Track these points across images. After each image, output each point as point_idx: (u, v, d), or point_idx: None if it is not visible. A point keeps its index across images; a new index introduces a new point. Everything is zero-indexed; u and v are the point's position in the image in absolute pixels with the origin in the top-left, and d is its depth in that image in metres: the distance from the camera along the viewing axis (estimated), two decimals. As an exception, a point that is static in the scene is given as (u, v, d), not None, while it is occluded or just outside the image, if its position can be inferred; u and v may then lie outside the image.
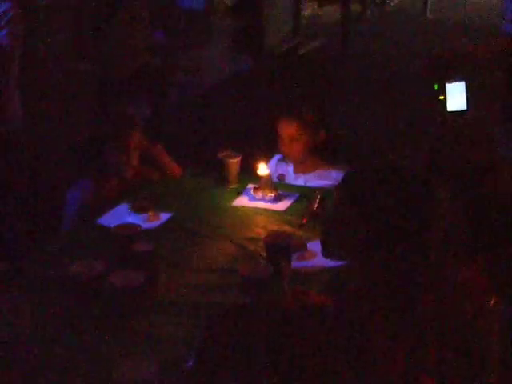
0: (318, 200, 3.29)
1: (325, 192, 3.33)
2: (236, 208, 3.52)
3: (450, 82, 3.22)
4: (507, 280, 2.38)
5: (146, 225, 3.22)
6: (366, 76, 8.50)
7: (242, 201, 3.58)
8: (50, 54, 6.79)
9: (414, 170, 2.16)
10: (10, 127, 4.20)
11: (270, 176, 3.63)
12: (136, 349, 2.43)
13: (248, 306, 1.87)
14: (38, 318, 2.59)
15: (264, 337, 1.71)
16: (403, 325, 1.96)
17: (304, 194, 3.56)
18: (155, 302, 2.71)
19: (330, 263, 2.78)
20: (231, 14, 9.13)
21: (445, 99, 3.24)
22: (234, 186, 3.70)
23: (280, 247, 2.89)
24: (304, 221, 3.25)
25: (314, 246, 3.00)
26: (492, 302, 2.18)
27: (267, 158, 3.76)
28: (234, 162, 3.71)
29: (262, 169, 3.59)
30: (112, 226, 3.13)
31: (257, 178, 3.62)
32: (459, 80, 3.22)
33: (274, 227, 3.29)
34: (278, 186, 3.62)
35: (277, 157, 3.92)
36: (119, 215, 3.37)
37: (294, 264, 2.92)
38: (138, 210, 3.38)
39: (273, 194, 3.53)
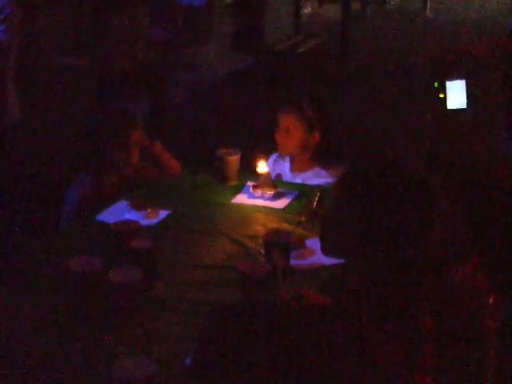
0: (317, 198, 3.28)
1: (324, 190, 3.33)
2: (235, 205, 3.52)
3: (451, 79, 3.22)
4: (506, 278, 2.39)
5: (144, 222, 3.22)
6: (366, 74, 8.50)
7: (241, 198, 3.57)
8: (48, 50, 6.79)
9: (412, 168, 2.16)
10: (8, 122, 4.20)
11: (269, 174, 3.63)
12: (135, 346, 2.43)
13: (246, 304, 1.86)
14: (36, 315, 2.58)
15: (262, 335, 1.71)
16: (401, 324, 1.95)
17: (303, 192, 3.56)
18: (154, 298, 2.71)
19: (328, 261, 2.78)
20: (231, 11, 9.14)
21: (445, 97, 3.24)
22: (233, 183, 3.70)
23: (279, 245, 2.89)
24: (303, 219, 3.25)
25: (313, 243, 2.99)
26: (491, 300, 2.18)
27: (266, 156, 3.77)
28: (234, 160, 3.71)
29: (262, 166, 3.58)
30: (111, 222, 3.13)
31: (256, 176, 3.61)
32: (459, 78, 3.22)
33: (273, 225, 3.29)
34: (277, 184, 3.62)
35: (273, 156, 3.92)
36: (118, 212, 3.37)
37: (293, 262, 2.92)
38: (137, 206, 3.38)
39: (272, 192, 3.53)
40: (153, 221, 3.31)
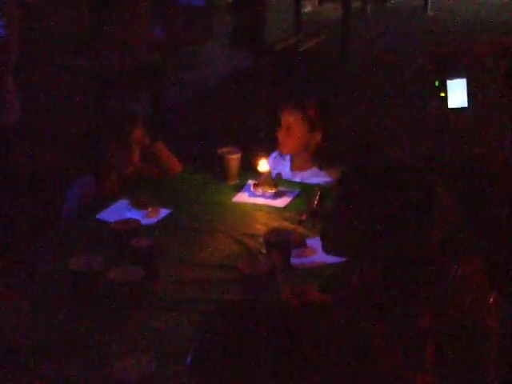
0: (317, 197, 3.28)
1: (324, 189, 3.33)
2: (236, 204, 3.52)
3: (451, 78, 3.21)
4: (506, 277, 2.38)
5: (145, 220, 3.22)
6: (367, 73, 8.50)
7: (242, 197, 3.58)
8: (49, 50, 6.78)
9: (413, 167, 2.16)
10: (7, 121, 4.19)
11: (270, 172, 3.63)
12: (135, 345, 2.43)
13: (247, 303, 1.86)
14: (36, 314, 2.58)
15: (263, 334, 1.71)
16: (401, 323, 1.95)
17: (304, 191, 3.56)
18: (154, 297, 2.71)
19: (329, 260, 2.78)
20: (231, 10, 9.13)
21: (446, 96, 3.23)
22: (233, 182, 3.70)
23: (279, 244, 2.89)
24: (303, 217, 3.24)
25: (314, 242, 3.00)
26: (491, 299, 2.18)
27: (267, 155, 3.77)
28: (234, 158, 3.71)
29: (263, 165, 3.59)
30: (111, 221, 3.13)
31: (257, 174, 3.62)
32: (460, 77, 3.21)
33: (274, 224, 3.29)
34: (278, 183, 3.62)
35: (273, 154, 3.92)
36: (119, 211, 3.37)
37: (294, 261, 2.92)
38: (138, 205, 3.38)
39: (273, 191, 3.53)
40: (153, 220, 3.31)
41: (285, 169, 3.86)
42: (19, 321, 2.54)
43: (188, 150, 4.80)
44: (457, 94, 3.22)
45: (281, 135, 3.74)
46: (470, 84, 3.20)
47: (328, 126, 3.70)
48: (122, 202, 3.45)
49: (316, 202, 3.27)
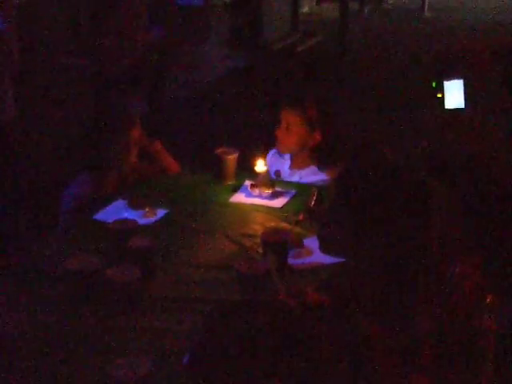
0: (314, 197, 3.28)
1: (321, 189, 3.33)
2: (233, 204, 3.52)
3: (448, 79, 3.22)
4: (504, 277, 2.39)
5: (142, 220, 3.22)
6: (364, 73, 8.50)
7: (239, 197, 3.58)
8: (48, 50, 6.78)
9: (410, 167, 2.16)
10: (4, 119, 4.20)
11: (267, 173, 3.63)
12: (132, 345, 2.43)
13: (245, 304, 1.86)
14: (34, 313, 2.58)
15: (261, 334, 1.71)
16: (399, 323, 1.95)
17: (301, 191, 3.56)
18: (151, 297, 2.71)
19: (326, 260, 2.78)
20: (229, 10, 9.12)
21: (443, 97, 3.24)
22: (230, 182, 3.70)
23: (277, 244, 2.89)
24: (300, 218, 3.25)
25: (311, 242, 3.00)
26: (489, 299, 2.18)
27: (265, 155, 3.77)
28: (231, 159, 3.71)
29: (260, 165, 3.59)
30: (109, 221, 3.13)
31: (254, 175, 3.61)
32: (457, 78, 3.21)
33: (271, 224, 3.29)
34: (275, 183, 3.62)
35: (272, 151, 3.92)
36: (116, 211, 3.37)
37: (291, 261, 2.92)
38: (135, 205, 3.38)
39: (270, 191, 3.53)
40: (151, 220, 3.31)
41: (284, 167, 3.87)
42: (16, 320, 2.54)
43: (185, 150, 4.81)
44: (454, 94, 3.22)
45: (280, 134, 3.74)
46: (466, 85, 3.20)
47: (327, 126, 3.70)
48: (120, 202, 3.45)
49: (313, 202, 3.28)
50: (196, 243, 3.13)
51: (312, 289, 2.56)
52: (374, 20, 11.60)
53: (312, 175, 3.75)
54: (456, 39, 8.76)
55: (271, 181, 3.63)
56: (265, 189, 3.53)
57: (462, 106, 3.22)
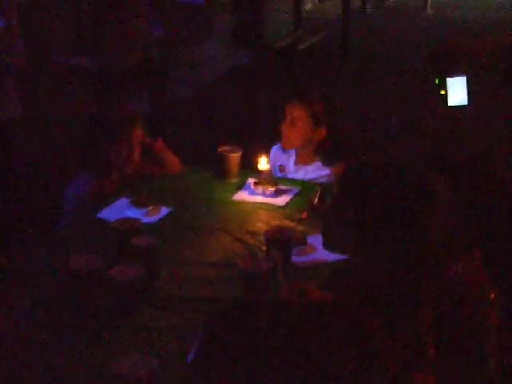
0: (318, 194, 3.29)
1: (325, 186, 3.33)
2: (236, 202, 3.52)
3: (451, 76, 3.21)
4: (507, 274, 2.39)
5: (145, 219, 3.22)
6: (366, 71, 8.49)
7: (242, 195, 3.58)
8: (50, 48, 6.78)
9: (412, 164, 2.16)
10: (7, 118, 4.20)
11: (270, 170, 3.63)
12: (136, 343, 2.43)
13: (248, 302, 1.86)
14: (36, 313, 2.58)
15: (264, 332, 1.71)
16: (402, 320, 1.95)
17: (304, 189, 3.56)
18: (155, 296, 2.71)
19: (330, 258, 2.78)
20: (231, 8, 9.12)
21: (446, 94, 3.23)
22: (234, 180, 3.70)
23: (280, 242, 2.89)
24: (304, 216, 3.25)
25: (314, 240, 3.00)
26: (492, 296, 2.18)
27: (268, 153, 3.77)
28: (234, 157, 3.71)
29: (263, 163, 3.58)
30: (112, 220, 3.13)
31: (257, 173, 3.61)
32: (460, 75, 3.21)
33: (274, 222, 3.29)
34: (279, 181, 3.62)
35: (276, 146, 3.92)
36: (119, 209, 3.37)
37: (294, 259, 2.92)
38: (138, 204, 3.38)
39: (273, 189, 3.53)
40: (154, 218, 3.31)
41: (289, 162, 3.86)
42: (19, 320, 2.54)
43: (188, 149, 4.80)
44: (457, 91, 3.21)
45: (285, 129, 3.74)
46: (469, 82, 3.20)
47: (332, 122, 3.70)
48: (123, 201, 3.45)
49: (316, 200, 3.28)
50: (199, 241, 3.13)
51: (315, 286, 2.56)
52: (376, 17, 11.58)
53: (317, 171, 3.75)
54: (459, 36, 8.74)
55: (274, 178, 3.63)
56: (268, 186, 3.53)
57: (465, 102, 3.21)
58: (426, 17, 11.59)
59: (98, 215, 3.34)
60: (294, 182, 3.70)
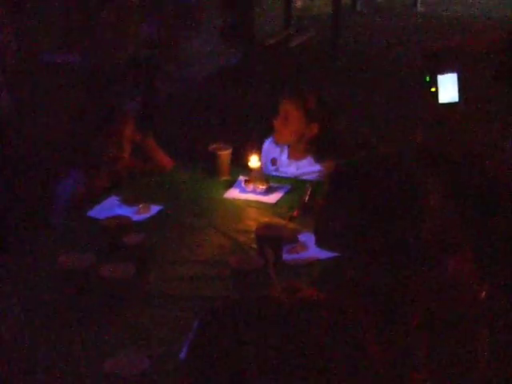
0: (309, 192, 3.28)
1: (316, 184, 3.33)
2: (227, 200, 3.52)
3: (442, 73, 3.21)
4: (498, 271, 2.39)
5: (136, 217, 3.22)
6: (357, 68, 8.49)
7: (233, 193, 3.57)
8: (40, 46, 6.75)
9: (402, 161, 2.15)
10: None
11: (261, 168, 3.63)
12: (127, 342, 2.42)
13: (240, 300, 1.86)
14: (27, 311, 2.57)
15: (256, 330, 1.70)
16: (392, 318, 1.95)
17: (295, 187, 3.56)
18: (145, 294, 2.70)
19: (321, 255, 2.78)
20: (222, 6, 9.10)
21: (436, 91, 3.22)
22: (224, 178, 3.70)
23: (271, 239, 2.88)
24: (295, 213, 3.24)
25: (305, 238, 2.99)
26: (483, 293, 2.18)
27: (258, 151, 3.76)
28: (225, 154, 3.71)
29: (254, 161, 3.58)
30: (102, 218, 3.12)
31: (248, 170, 3.61)
32: (451, 72, 3.20)
33: (265, 219, 3.28)
34: (269, 179, 3.61)
35: (268, 140, 3.93)
36: (109, 207, 3.36)
37: (285, 257, 2.92)
38: (129, 202, 3.37)
39: (264, 187, 3.53)
40: (144, 216, 3.30)
41: (281, 157, 3.87)
42: (10, 318, 2.53)
43: (179, 146, 4.79)
44: (448, 88, 3.21)
45: (278, 124, 3.76)
46: (460, 79, 3.20)
47: (325, 119, 3.72)
48: (113, 199, 3.44)
49: (307, 198, 3.28)
50: (190, 239, 3.13)
51: (306, 284, 2.55)
52: (366, 15, 11.59)
53: (309, 166, 3.76)
54: (449, 33, 8.75)
55: (265, 176, 3.63)
56: (259, 184, 3.53)
57: (456, 100, 3.21)
58: (416, 14, 11.60)
59: (88, 213, 3.32)
60: (284, 179, 3.70)
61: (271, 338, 1.72)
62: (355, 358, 1.85)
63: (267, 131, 3.81)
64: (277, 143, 3.86)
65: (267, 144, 3.92)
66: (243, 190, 3.56)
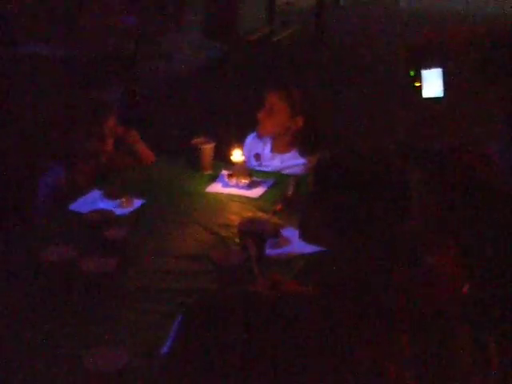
0: (292, 187, 3.28)
1: (299, 178, 3.33)
2: (209, 194, 3.51)
3: (426, 68, 3.21)
4: (481, 267, 2.39)
5: (118, 211, 3.20)
6: (340, 63, 8.51)
7: (216, 187, 3.56)
8: (21, 38, 6.71)
9: (386, 157, 2.15)
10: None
11: (244, 162, 3.62)
12: (108, 336, 2.40)
13: (223, 294, 1.85)
14: (7, 304, 2.55)
15: (240, 325, 1.70)
16: (375, 312, 1.95)
17: (278, 181, 3.56)
18: (127, 288, 2.68)
19: (304, 250, 2.78)
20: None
21: (420, 86, 3.22)
22: (207, 172, 3.69)
23: (254, 234, 2.88)
24: (278, 208, 3.24)
25: (288, 233, 2.99)
26: (465, 289, 2.18)
27: (241, 145, 3.76)
28: (208, 148, 3.70)
29: (236, 155, 3.57)
30: (84, 212, 3.10)
31: (231, 165, 3.60)
32: (435, 66, 3.21)
33: (248, 214, 3.28)
34: (253, 173, 3.61)
35: (251, 136, 3.92)
36: (92, 201, 3.34)
37: (268, 251, 2.91)
38: (111, 196, 3.36)
39: (247, 181, 3.52)
40: (127, 210, 3.28)
41: (264, 151, 3.87)
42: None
43: (161, 140, 4.78)
44: (432, 83, 3.21)
45: (262, 117, 3.76)
46: (445, 73, 3.20)
47: (310, 112, 3.72)
48: (95, 192, 3.43)
49: (290, 192, 3.27)
50: (172, 233, 3.12)
51: (289, 278, 2.55)
52: (349, 9, 11.61)
53: (293, 159, 3.77)
54: (431, 28, 8.77)
55: (248, 171, 3.62)
56: (242, 179, 3.53)
57: (441, 94, 3.21)
58: (399, 10, 11.64)
59: (70, 207, 3.30)
60: (268, 174, 3.70)
61: (254, 332, 1.71)
62: (339, 353, 1.85)
63: (250, 125, 3.80)
64: (260, 136, 3.86)
65: (250, 140, 3.91)
66: (226, 185, 3.55)
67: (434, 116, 3.21)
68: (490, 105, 3.24)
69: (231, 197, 3.46)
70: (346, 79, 7.82)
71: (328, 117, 5.25)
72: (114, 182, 3.57)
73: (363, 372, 1.88)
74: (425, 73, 3.22)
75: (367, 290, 1.98)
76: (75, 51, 5.63)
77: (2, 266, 2.81)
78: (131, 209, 3.30)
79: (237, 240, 2.98)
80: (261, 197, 3.46)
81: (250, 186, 3.52)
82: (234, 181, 3.54)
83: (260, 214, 3.26)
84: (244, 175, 3.54)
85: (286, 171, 3.74)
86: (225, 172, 3.62)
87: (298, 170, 3.69)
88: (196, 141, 3.72)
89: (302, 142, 3.74)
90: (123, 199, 3.32)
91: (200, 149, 3.69)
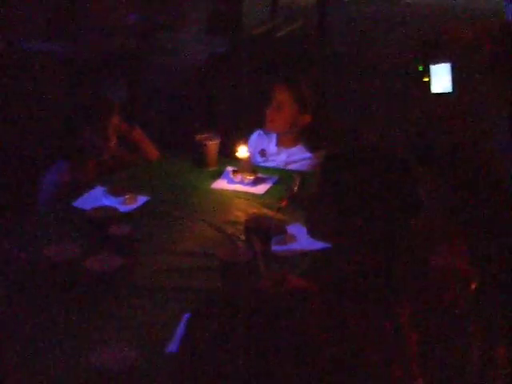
0: (297, 182, 3.27)
1: (304, 174, 3.32)
2: (214, 191, 3.50)
3: (435, 63, 3.19)
4: (489, 265, 2.38)
5: (122, 208, 3.19)
6: (344, 58, 8.49)
7: (221, 184, 3.55)
8: (23, 35, 6.69)
9: (393, 151, 2.13)
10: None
11: (249, 159, 3.61)
12: (114, 334, 2.39)
13: (231, 293, 1.84)
14: (12, 302, 2.54)
15: (247, 322, 1.69)
16: (382, 309, 1.93)
17: (283, 177, 3.54)
18: (132, 286, 2.67)
19: (310, 247, 2.76)
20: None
21: (429, 81, 3.21)
22: (212, 168, 3.68)
23: (260, 231, 2.86)
24: (283, 204, 3.22)
25: (294, 229, 2.98)
26: (473, 286, 2.17)
27: (246, 141, 3.75)
28: (213, 145, 3.69)
29: (242, 151, 3.56)
30: (88, 209, 3.09)
31: (236, 161, 3.59)
32: (444, 61, 3.19)
33: (253, 210, 3.27)
34: (257, 169, 3.59)
35: (257, 132, 3.91)
36: (95, 198, 3.33)
37: (274, 248, 2.89)
38: (115, 192, 3.34)
39: (252, 177, 3.52)
40: (131, 207, 3.27)
41: (269, 146, 3.86)
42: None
43: (166, 136, 4.77)
44: (440, 78, 3.20)
45: (270, 113, 3.75)
46: (454, 69, 3.18)
47: (318, 108, 3.71)
48: (99, 189, 3.42)
49: (296, 188, 3.26)
50: (177, 230, 3.10)
51: (296, 275, 2.53)
52: (353, 5, 11.59)
53: (300, 153, 3.76)
54: (437, 23, 8.75)
55: (253, 167, 3.61)
56: (247, 175, 3.52)
57: (450, 89, 3.20)
58: (403, 5, 11.61)
59: (73, 204, 3.29)
60: (273, 170, 3.69)
61: (262, 329, 1.70)
62: (345, 350, 1.84)
63: (255, 121, 3.79)
64: (268, 132, 3.85)
65: (255, 136, 3.91)
66: (231, 181, 3.54)
67: (444, 111, 3.19)
68: (497, 101, 3.22)
69: (236, 193, 3.45)
70: (349, 74, 7.80)
71: (335, 112, 5.25)
72: (118, 178, 3.55)
73: (370, 371, 1.87)
74: (433, 68, 3.21)
75: (373, 288, 1.96)
76: (80, 48, 5.62)
77: (5, 262, 2.80)
78: (135, 206, 3.29)
79: (242, 237, 2.96)
80: (266, 193, 3.44)
81: (255, 183, 3.51)
82: (239, 177, 3.52)
83: (265, 211, 3.24)
84: (249, 171, 3.53)
85: (292, 166, 3.73)
86: (230, 168, 3.60)
87: (304, 165, 3.68)
88: (201, 137, 3.70)
89: (309, 136, 3.74)
90: (127, 196, 3.31)
91: (205, 145, 3.68)
